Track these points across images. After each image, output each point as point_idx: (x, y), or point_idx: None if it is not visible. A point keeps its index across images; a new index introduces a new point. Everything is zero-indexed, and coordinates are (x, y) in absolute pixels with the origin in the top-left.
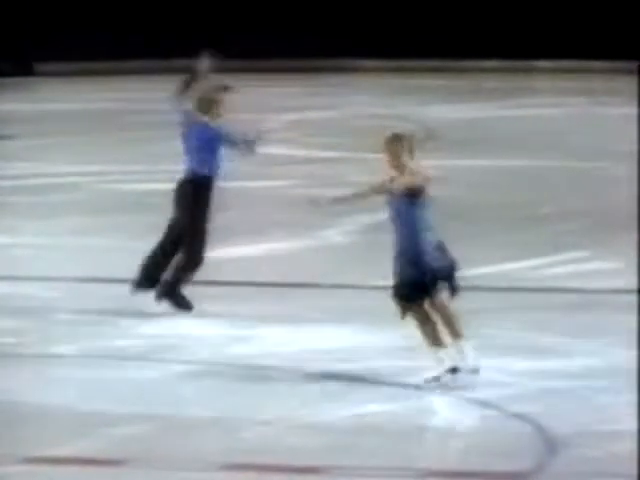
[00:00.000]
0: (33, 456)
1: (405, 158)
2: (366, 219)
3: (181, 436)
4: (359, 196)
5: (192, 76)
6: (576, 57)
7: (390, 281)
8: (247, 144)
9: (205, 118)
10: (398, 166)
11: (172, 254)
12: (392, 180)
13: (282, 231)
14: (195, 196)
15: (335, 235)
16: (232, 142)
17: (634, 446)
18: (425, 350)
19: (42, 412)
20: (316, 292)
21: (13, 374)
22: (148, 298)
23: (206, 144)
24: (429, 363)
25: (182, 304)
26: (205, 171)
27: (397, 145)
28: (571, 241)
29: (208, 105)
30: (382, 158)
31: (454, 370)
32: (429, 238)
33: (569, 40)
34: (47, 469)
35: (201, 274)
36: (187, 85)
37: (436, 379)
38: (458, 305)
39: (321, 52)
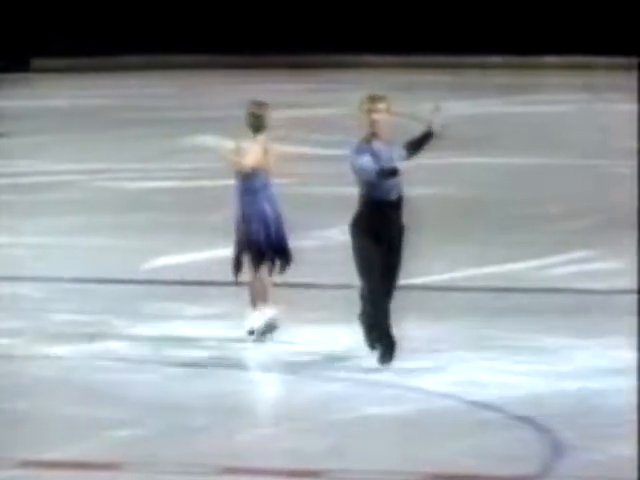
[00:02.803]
0: (28, 460)
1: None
2: None
3: (178, 439)
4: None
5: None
6: (584, 53)
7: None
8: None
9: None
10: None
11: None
12: (241, 152)
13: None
14: None
15: (336, 234)
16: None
17: None
18: (425, 351)
19: (37, 415)
20: (316, 292)
21: (7, 375)
22: (144, 298)
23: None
24: (430, 364)
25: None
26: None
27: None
28: (576, 240)
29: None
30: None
31: (251, 332)
32: (268, 212)
33: (577, 36)
34: (42, 473)
35: (199, 274)
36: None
37: (251, 333)
38: (462, 306)
39: (322, 47)
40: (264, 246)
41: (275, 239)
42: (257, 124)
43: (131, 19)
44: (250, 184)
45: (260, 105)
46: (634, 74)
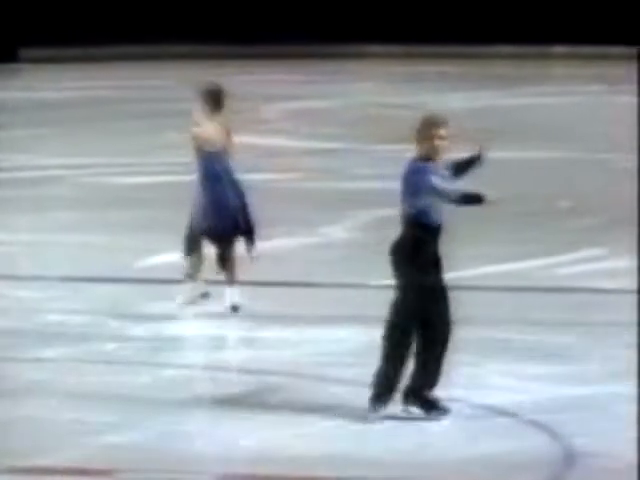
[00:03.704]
0: (19, 466)
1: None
2: (369, 215)
3: (175, 444)
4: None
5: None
6: (593, 43)
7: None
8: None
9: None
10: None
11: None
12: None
13: (282, 228)
14: None
15: (338, 232)
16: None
17: None
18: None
19: (26, 419)
20: (316, 291)
21: None
22: (138, 297)
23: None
24: None
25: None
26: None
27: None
28: (587, 238)
29: None
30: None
31: (205, 295)
32: (232, 200)
33: (586, 24)
34: (33, 479)
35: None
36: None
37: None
38: (468, 306)
39: (323, 37)
40: (229, 235)
41: (242, 228)
42: (214, 103)
43: (123, 8)
44: (212, 167)
45: (216, 85)
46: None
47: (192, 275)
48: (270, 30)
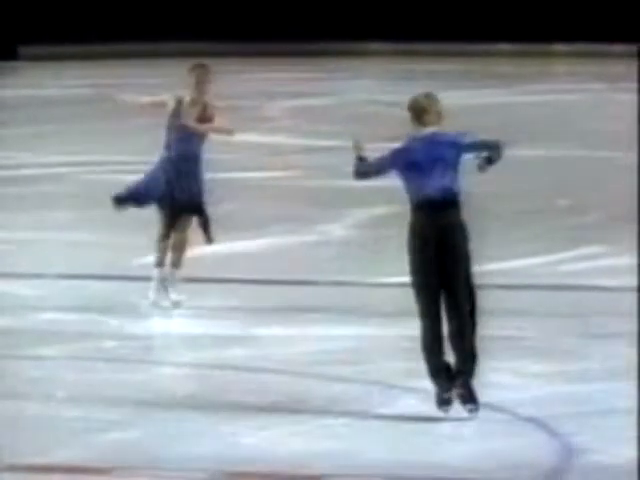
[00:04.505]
0: (17, 464)
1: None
2: (368, 213)
3: (175, 442)
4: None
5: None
6: (594, 40)
7: (391, 278)
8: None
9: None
10: (197, 94)
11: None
12: (184, 106)
13: (280, 226)
14: None
15: (337, 229)
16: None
17: None
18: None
19: (24, 417)
20: (314, 289)
21: None
22: (138, 296)
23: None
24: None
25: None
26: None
27: (205, 74)
28: (587, 235)
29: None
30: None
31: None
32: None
33: (587, 22)
34: (30, 478)
35: (194, 270)
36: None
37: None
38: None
39: (322, 34)
40: (182, 207)
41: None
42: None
43: (122, 5)
44: (182, 148)
45: (201, 65)
46: None
47: (160, 261)
48: (268, 28)
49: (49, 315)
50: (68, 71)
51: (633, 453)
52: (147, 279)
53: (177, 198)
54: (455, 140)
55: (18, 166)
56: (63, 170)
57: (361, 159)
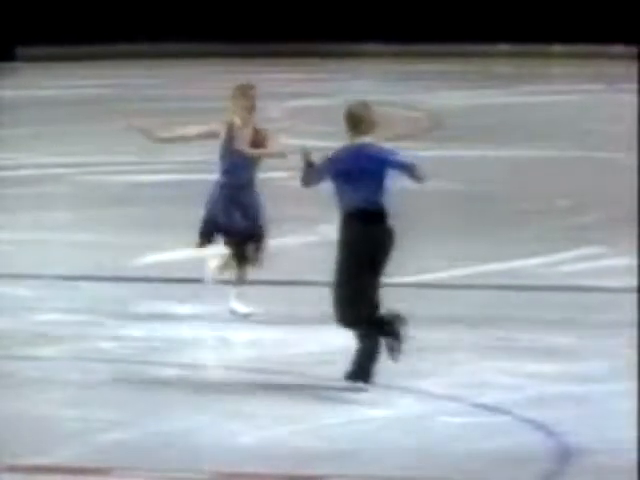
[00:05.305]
0: (17, 464)
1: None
2: None
3: (173, 443)
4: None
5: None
6: (593, 41)
7: (391, 278)
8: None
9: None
10: (247, 117)
11: None
12: (236, 131)
13: (280, 226)
14: None
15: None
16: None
17: None
18: (430, 351)
19: (23, 418)
20: (315, 289)
21: None
22: (134, 296)
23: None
24: (435, 365)
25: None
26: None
27: (252, 94)
28: (587, 236)
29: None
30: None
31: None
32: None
33: (586, 23)
34: (32, 478)
35: (191, 272)
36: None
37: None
38: (466, 304)
39: (322, 35)
40: (244, 236)
41: (254, 231)
42: (247, 104)
43: (121, 6)
44: (238, 174)
45: (249, 86)
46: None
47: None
48: (269, 29)
49: (48, 316)
50: (66, 72)
51: (633, 453)
52: (146, 280)
53: (240, 227)
54: (380, 155)
55: (17, 167)
56: (62, 171)
57: (310, 165)
